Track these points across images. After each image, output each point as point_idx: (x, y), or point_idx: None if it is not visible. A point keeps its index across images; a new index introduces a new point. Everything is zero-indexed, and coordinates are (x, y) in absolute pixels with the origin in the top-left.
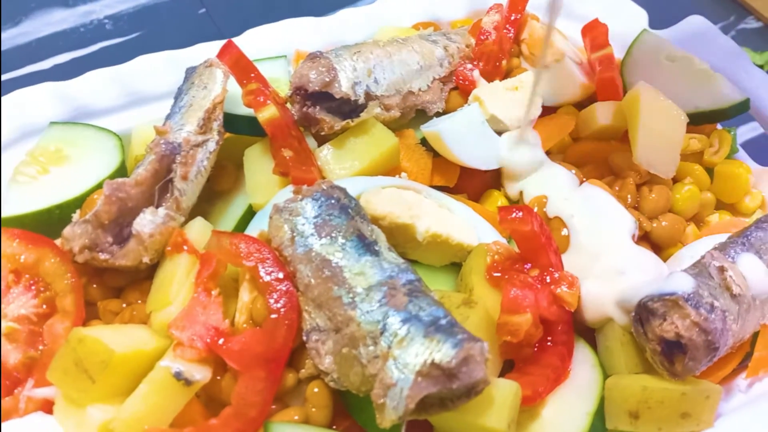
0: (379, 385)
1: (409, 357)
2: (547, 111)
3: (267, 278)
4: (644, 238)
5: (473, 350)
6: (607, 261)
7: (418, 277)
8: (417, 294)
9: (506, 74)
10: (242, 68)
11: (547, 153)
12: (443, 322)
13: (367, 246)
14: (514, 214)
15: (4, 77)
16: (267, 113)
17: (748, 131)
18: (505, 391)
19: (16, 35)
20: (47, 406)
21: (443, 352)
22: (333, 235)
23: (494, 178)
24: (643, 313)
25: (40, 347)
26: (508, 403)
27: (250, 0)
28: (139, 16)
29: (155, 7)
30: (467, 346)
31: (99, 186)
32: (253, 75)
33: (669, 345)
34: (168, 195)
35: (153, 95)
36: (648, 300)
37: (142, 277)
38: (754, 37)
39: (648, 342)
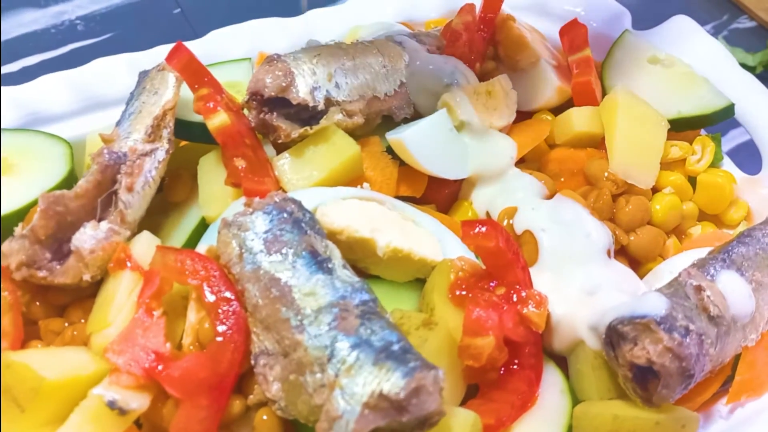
0: (324, 416)
1: (357, 387)
2: (522, 116)
3: (212, 298)
4: (621, 252)
5: (425, 380)
6: (580, 278)
7: (374, 297)
8: (370, 316)
9: (481, 78)
10: (193, 72)
11: (522, 161)
12: (395, 348)
13: (319, 263)
14: (477, 229)
15: None
16: (217, 120)
17: (735, 137)
18: (462, 422)
19: None
20: None
21: (392, 382)
22: (283, 251)
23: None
24: (614, 336)
25: None
26: None
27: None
28: (112, 16)
29: (128, 8)
30: (419, 375)
31: None
32: (205, 79)
33: (641, 370)
34: (112, 208)
35: (110, 100)
36: (618, 323)
37: (87, 294)
38: (748, 36)
39: (619, 367)
